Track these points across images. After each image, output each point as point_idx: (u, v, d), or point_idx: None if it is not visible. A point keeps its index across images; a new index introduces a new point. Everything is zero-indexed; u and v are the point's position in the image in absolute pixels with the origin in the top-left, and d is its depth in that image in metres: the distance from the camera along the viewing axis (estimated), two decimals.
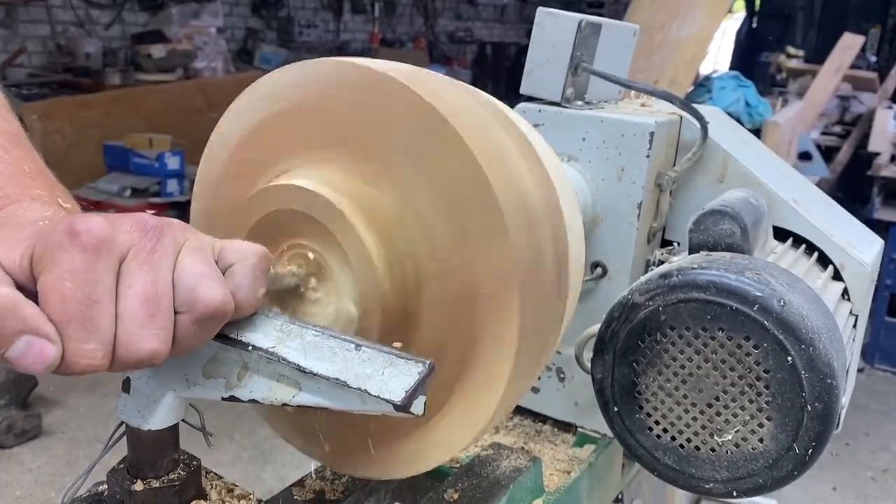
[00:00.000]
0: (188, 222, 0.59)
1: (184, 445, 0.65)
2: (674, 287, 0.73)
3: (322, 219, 0.62)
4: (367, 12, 8.78)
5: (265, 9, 7.70)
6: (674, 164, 1.01)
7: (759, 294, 0.69)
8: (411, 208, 0.62)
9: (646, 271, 0.97)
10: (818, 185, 1.49)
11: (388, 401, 0.52)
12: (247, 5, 7.59)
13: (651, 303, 0.74)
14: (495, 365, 0.62)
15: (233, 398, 0.59)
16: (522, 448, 0.94)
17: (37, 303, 0.48)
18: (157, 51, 5.95)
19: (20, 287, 0.48)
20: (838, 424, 0.72)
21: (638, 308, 0.75)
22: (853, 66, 5.65)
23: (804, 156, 4.61)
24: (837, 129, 5.47)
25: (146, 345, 0.50)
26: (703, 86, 5.30)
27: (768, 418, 0.71)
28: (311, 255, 0.64)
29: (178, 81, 5.94)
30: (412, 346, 0.64)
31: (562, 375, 1.04)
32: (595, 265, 1.00)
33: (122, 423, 0.62)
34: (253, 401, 0.58)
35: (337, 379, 0.54)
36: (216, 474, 0.71)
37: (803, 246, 0.98)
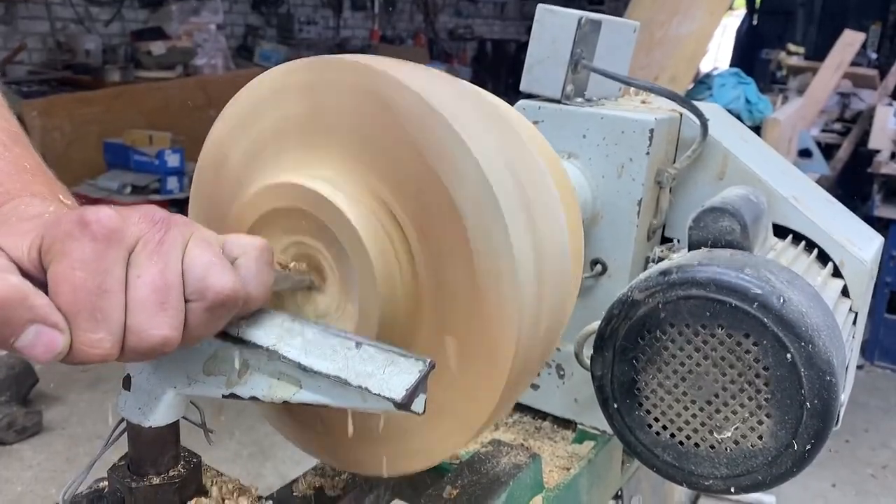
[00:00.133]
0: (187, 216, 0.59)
1: (184, 442, 0.65)
2: (673, 284, 0.73)
3: (320, 215, 0.62)
4: (366, 9, 8.77)
5: (265, 5, 7.70)
6: (674, 161, 1.01)
7: (758, 291, 0.69)
8: (409, 203, 0.62)
9: (645, 268, 0.97)
10: (818, 182, 1.49)
11: (388, 399, 0.52)
12: (247, 2, 7.58)
13: (651, 300, 0.74)
14: (496, 360, 0.62)
15: (233, 395, 0.59)
16: (522, 445, 0.94)
17: (44, 293, 0.48)
18: (157, 48, 5.94)
19: (28, 277, 0.48)
20: (838, 421, 0.73)
21: (638, 305, 0.75)
22: (853, 63, 5.65)
23: (804, 153, 4.61)
24: (838, 126, 5.47)
25: (157, 332, 0.50)
26: (703, 83, 5.29)
27: (768, 415, 0.71)
28: (310, 253, 0.64)
29: (178, 78, 5.94)
30: (413, 341, 0.64)
31: (561, 372, 1.05)
32: (595, 262, 1.00)
33: (123, 419, 0.62)
34: (253, 398, 0.58)
35: (337, 377, 0.54)
36: (217, 471, 0.71)
37: (803, 243, 0.99)
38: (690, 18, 3.63)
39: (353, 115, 0.63)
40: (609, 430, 0.82)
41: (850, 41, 5.28)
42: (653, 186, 0.97)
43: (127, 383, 0.61)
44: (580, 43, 0.99)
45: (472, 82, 0.73)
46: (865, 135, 4.84)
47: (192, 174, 0.76)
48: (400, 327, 0.64)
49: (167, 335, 0.50)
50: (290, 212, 0.64)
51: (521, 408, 1.10)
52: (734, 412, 0.73)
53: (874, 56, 7.71)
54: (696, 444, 0.75)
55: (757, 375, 0.71)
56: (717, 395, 0.73)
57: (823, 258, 0.98)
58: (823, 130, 5.35)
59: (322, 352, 0.55)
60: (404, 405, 0.52)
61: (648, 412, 0.77)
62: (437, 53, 9.44)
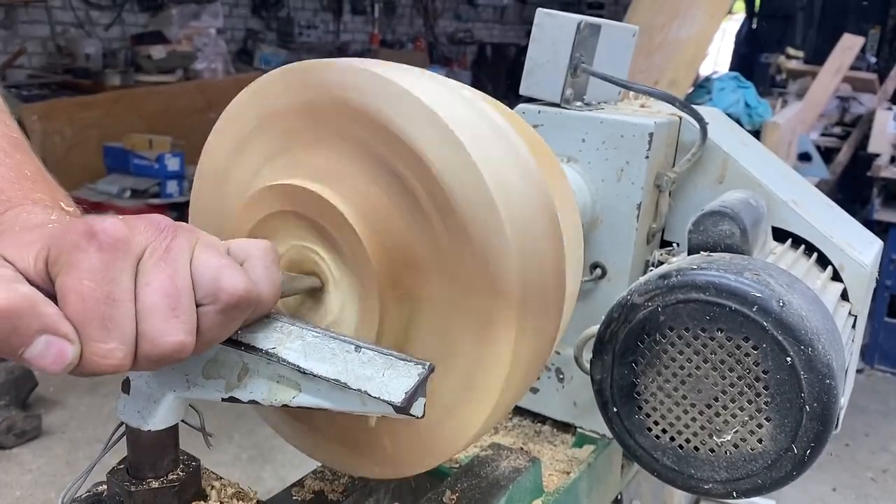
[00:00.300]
0: (187, 223, 0.59)
1: (183, 446, 0.65)
2: (673, 288, 0.73)
3: (318, 218, 0.62)
4: (366, 13, 8.78)
5: (265, 10, 7.70)
6: (673, 165, 1.01)
7: (758, 295, 0.69)
8: (406, 202, 0.62)
9: (645, 272, 0.97)
10: (818, 186, 1.49)
11: (388, 402, 0.52)
12: (247, 6, 7.59)
13: (650, 303, 0.74)
14: (494, 364, 0.62)
15: (233, 399, 0.59)
16: (521, 448, 0.94)
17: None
18: (157, 52, 5.95)
19: (35, 289, 0.48)
20: (837, 425, 0.73)
21: (637, 309, 0.75)
22: (853, 68, 5.65)
23: (804, 157, 4.61)
24: (837, 130, 5.47)
25: (171, 338, 0.50)
26: (702, 87, 5.30)
27: (767, 419, 0.71)
28: (309, 256, 0.65)
29: (178, 82, 5.94)
30: (412, 344, 0.64)
31: (561, 376, 1.05)
32: (594, 266, 1.00)
33: (122, 423, 0.62)
34: (253, 402, 0.58)
35: (337, 380, 0.54)
36: (216, 474, 0.71)
37: (802, 247, 0.99)
38: (690, 22, 3.63)
39: (349, 117, 0.63)
40: (609, 433, 0.81)
41: (849, 45, 5.29)
42: (652, 190, 0.97)
43: (126, 387, 0.61)
44: (580, 47, 0.99)
45: (472, 86, 0.73)
46: (865, 139, 4.85)
47: (192, 178, 0.76)
48: (400, 330, 0.64)
49: (182, 340, 0.50)
50: (287, 215, 0.64)
51: (520, 411, 1.10)
52: (734, 416, 0.72)
53: (873, 60, 7.73)
54: (696, 448, 0.75)
55: (756, 379, 0.71)
56: (716, 399, 0.73)
57: (823, 262, 0.98)
58: (823, 134, 5.35)
59: (321, 355, 0.55)
60: (403, 409, 0.52)
61: (648, 416, 0.77)
62: (437, 57, 9.45)
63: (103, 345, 0.48)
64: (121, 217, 0.51)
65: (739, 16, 10.80)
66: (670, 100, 0.98)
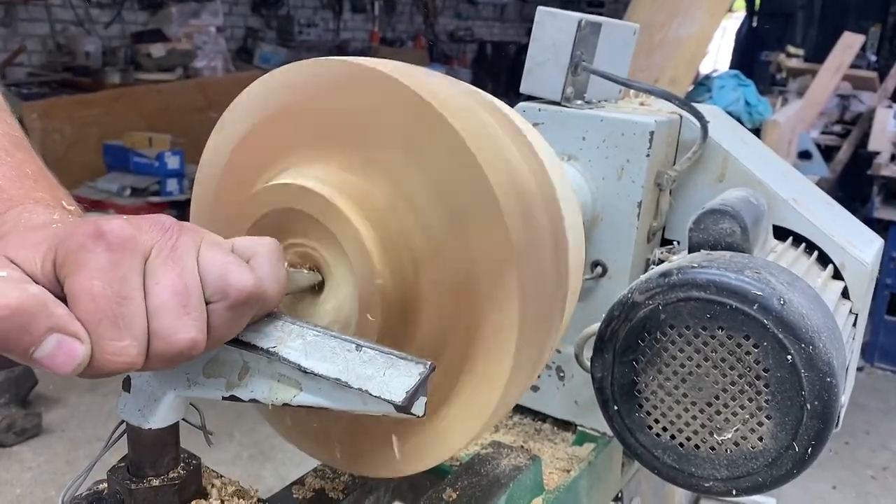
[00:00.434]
0: (188, 221, 0.59)
1: (184, 444, 0.65)
2: (673, 286, 0.73)
3: (318, 215, 0.62)
4: (366, 11, 8.78)
5: (265, 8, 7.70)
6: (674, 164, 1.01)
7: (758, 293, 0.69)
8: (404, 196, 0.62)
9: (646, 270, 0.97)
10: (818, 184, 1.49)
11: (389, 401, 0.52)
12: (246, 4, 7.59)
13: (651, 301, 0.74)
14: (496, 358, 0.62)
15: (233, 398, 0.59)
16: (522, 447, 0.94)
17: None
18: (157, 50, 5.95)
19: None
20: (838, 423, 0.73)
21: (638, 307, 0.75)
22: (853, 66, 5.65)
23: (804, 155, 4.62)
24: (837, 128, 5.47)
25: (184, 335, 0.50)
26: (703, 85, 5.30)
27: (768, 417, 0.71)
28: (310, 254, 0.65)
29: (178, 81, 5.95)
30: (412, 341, 0.64)
31: (561, 374, 1.05)
32: (595, 264, 1.00)
33: (123, 421, 0.62)
34: (254, 400, 0.58)
35: (338, 379, 0.54)
36: (216, 473, 0.71)
37: (803, 245, 0.99)
38: (690, 20, 3.63)
39: (351, 114, 0.63)
40: (609, 431, 0.81)
41: (849, 43, 5.29)
42: (653, 188, 0.97)
43: (127, 385, 0.61)
44: (580, 45, 0.99)
45: (472, 84, 0.73)
46: (865, 137, 4.85)
47: (192, 176, 0.76)
48: (400, 328, 0.64)
49: (194, 337, 0.50)
50: (289, 213, 0.64)
51: (521, 409, 1.10)
52: (734, 414, 0.72)
53: (874, 58, 7.72)
54: (697, 446, 0.75)
55: (757, 377, 0.71)
56: (717, 397, 0.73)
57: (824, 260, 0.98)
58: (823, 132, 5.35)
59: (322, 354, 0.55)
60: (404, 408, 0.52)
61: (649, 414, 0.77)
62: (437, 55, 9.45)
63: (117, 342, 0.48)
64: (125, 217, 0.51)
65: (740, 14, 10.80)
66: (671, 98, 0.98)
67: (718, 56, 10.94)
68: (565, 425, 1.08)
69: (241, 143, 0.70)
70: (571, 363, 0.94)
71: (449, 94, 0.63)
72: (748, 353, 0.71)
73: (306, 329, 0.57)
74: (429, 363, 0.54)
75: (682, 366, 0.74)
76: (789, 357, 0.69)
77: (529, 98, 1.02)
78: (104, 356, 0.48)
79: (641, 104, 1.09)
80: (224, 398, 0.59)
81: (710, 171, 1.01)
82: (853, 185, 4.92)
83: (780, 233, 0.99)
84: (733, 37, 10.61)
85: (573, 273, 0.71)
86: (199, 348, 0.51)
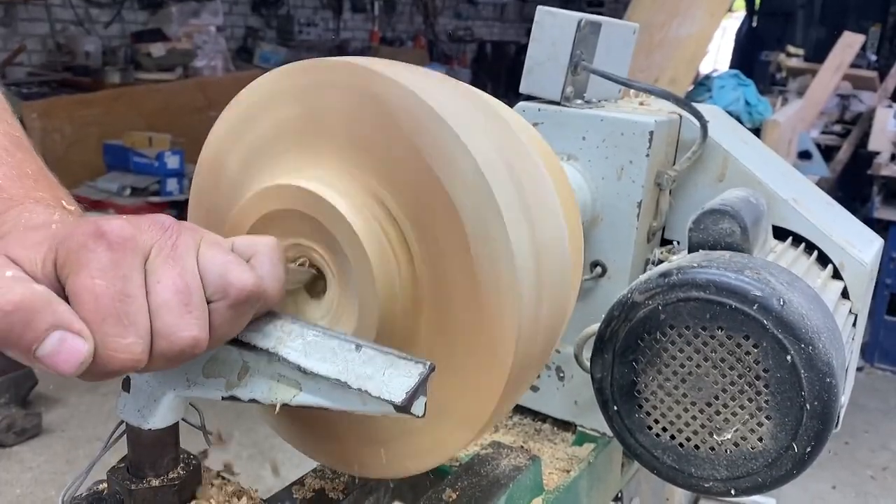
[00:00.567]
0: (187, 221, 0.59)
1: (183, 444, 0.65)
2: (673, 286, 0.73)
3: (318, 217, 0.62)
4: (366, 11, 8.78)
5: (265, 7, 7.70)
6: (673, 163, 1.01)
7: (758, 293, 0.69)
8: (405, 202, 0.62)
9: (645, 270, 0.97)
10: (818, 184, 1.49)
11: (388, 401, 0.52)
12: (246, 4, 7.59)
13: (650, 302, 0.74)
14: (496, 359, 0.62)
15: (233, 398, 0.59)
16: (522, 447, 0.94)
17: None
18: (157, 49, 5.95)
19: None
20: (838, 423, 0.73)
21: (637, 307, 0.75)
22: (853, 65, 5.65)
23: (804, 155, 4.61)
24: (837, 128, 5.47)
25: (187, 333, 0.50)
26: (703, 84, 5.30)
27: (767, 417, 0.71)
28: (309, 255, 0.64)
29: (178, 80, 5.94)
30: (413, 342, 0.64)
31: (561, 374, 1.05)
32: (594, 264, 1.00)
33: (123, 421, 0.62)
34: (253, 400, 0.58)
35: (337, 379, 0.54)
36: (216, 472, 0.71)
37: (803, 245, 0.99)
38: (690, 20, 3.63)
39: (350, 116, 0.63)
40: (609, 432, 0.81)
41: (849, 43, 5.29)
42: (652, 188, 0.97)
43: (126, 385, 0.61)
44: (580, 45, 0.99)
45: (471, 84, 0.73)
46: (865, 137, 4.85)
47: (191, 176, 0.76)
48: (399, 328, 0.64)
49: (196, 336, 0.50)
50: (287, 214, 0.64)
51: (520, 410, 1.10)
52: (734, 414, 0.72)
53: (874, 58, 7.71)
54: (696, 447, 0.75)
55: (757, 377, 0.71)
56: (717, 397, 0.73)
57: (823, 260, 0.98)
58: (823, 132, 5.35)
59: (322, 354, 0.55)
60: (404, 408, 0.52)
61: (648, 414, 0.77)
62: (437, 55, 9.45)
63: (122, 340, 0.48)
64: (124, 217, 0.51)
65: (740, 14, 10.80)
66: (670, 97, 0.98)
67: (718, 56, 10.94)
68: (565, 425, 1.08)
69: (239, 143, 0.70)
70: (571, 363, 0.94)
71: (451, 101, 0.63)
72: (748, 353, 0.71)
73: (306, 329, 0.57)
74: (428, 363, 0.54)
75: (682, 366, 0.74)
76: (789, 357, 0.69)
77: (529, 98, 1.02)
78: (109, 353, 0.48)
79: (641, 104, 1.09)
80: (224, 398, 0.59)
81: (709, 171, 1.01)
82: (853, 185, 4.92)
83: (780, 233, 0.99)
84: (733, 36, 10.61)
85: (573, 273, 0.71)
86: (201, 347, 0.51)
